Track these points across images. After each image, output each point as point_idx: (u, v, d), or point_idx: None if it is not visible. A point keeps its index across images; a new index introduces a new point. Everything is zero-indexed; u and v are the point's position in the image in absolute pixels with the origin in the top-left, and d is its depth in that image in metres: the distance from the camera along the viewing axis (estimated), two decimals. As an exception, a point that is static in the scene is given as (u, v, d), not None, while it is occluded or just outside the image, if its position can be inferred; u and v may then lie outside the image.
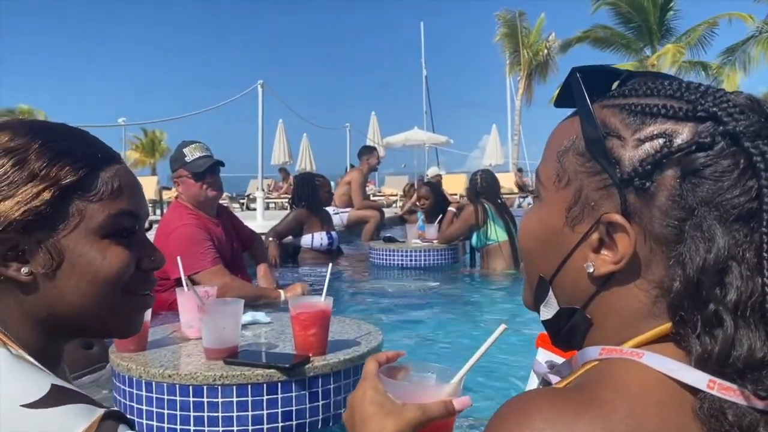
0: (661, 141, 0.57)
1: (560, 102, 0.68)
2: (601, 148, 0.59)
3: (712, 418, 0.52)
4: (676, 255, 0.56)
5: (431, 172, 15.06)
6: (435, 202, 6.18)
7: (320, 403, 1.75)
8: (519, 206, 14.70)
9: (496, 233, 5.05)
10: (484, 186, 5.21)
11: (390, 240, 5.71)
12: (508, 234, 5.07)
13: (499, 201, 5.27)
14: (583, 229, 0.62)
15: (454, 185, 14.53)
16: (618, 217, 0.58)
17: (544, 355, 0.97)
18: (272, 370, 1.69)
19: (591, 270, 0.61)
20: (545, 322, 0.68)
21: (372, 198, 11.85)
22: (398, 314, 3.78)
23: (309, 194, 5.58)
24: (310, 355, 1.76)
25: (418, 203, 6.64)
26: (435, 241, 5.44)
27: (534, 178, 0.69)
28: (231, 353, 1.79)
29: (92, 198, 0.74)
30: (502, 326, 0.82)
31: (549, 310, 0.66)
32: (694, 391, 0.54)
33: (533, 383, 0.93)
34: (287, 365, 1.69)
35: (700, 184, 0.55)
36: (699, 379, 0.53)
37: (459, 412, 0.79)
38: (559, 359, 0.91)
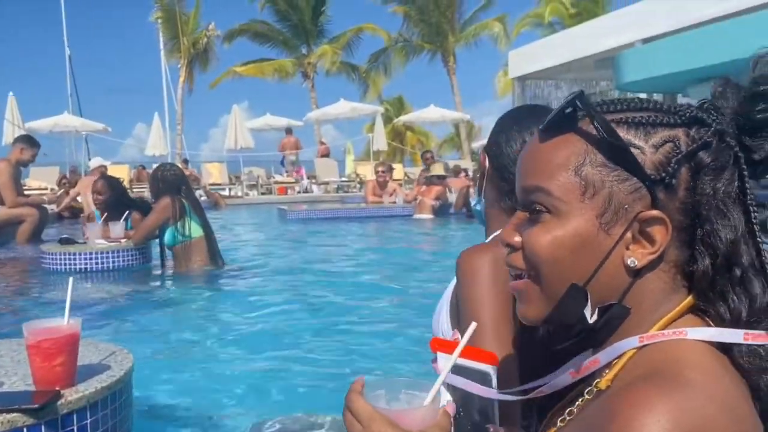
0: (670, 145, 0.68)
1: (553, 124, 0.72)
2: (630, 156, 0.68)
3: (752, 358, 0.65)
4: (700, 235, 0.68)
5: (94, 162, 13.72)
6: (114, 198, 5.61)
7: (76, 442, 1.50)
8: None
9: (193, 229, 4.86)
10: (173, 179, 4.95)
11: (68, 241, 5.05)
12: (205, 229, 4.92)
13: (190, 195, 5.07)
14: (618, 230, 0.68)
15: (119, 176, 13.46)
16: (656, 213, 0.67)
17: (445, 360, 0.85)
18: (15, 414, 1.40)
19: (635, 264, 0.68)
20: (584, 328, 0.72)
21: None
22: (111, 325, 3.40)
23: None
24: (58, 388, 1.50)
25: (93, 200, 6.00)
26: (123, 241, 5.00)
27: (534, 197, 0.72)
28: (-56, 402, 1.42)
29: None
30: (474, 324, 0.80)
31: (589, 312, 0.70)
32: (726, 348, 0.66)
33: (445, 396, 0.85)
34: (35, 405, 1.42)
35: (710, 175, 0.68)
36: (736, 335, 0.65)
37: None
38: (467, 363, 0.88)
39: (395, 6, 28.50)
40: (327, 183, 18.04)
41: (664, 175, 0.67)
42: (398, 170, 16.75)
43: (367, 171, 19.13)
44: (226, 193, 17.36)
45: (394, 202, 10.42)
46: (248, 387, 2.45)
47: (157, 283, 4.76)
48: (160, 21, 28.46)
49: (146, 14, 29.67)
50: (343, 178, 19.25)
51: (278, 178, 19.29)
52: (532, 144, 0.75)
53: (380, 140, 20.21)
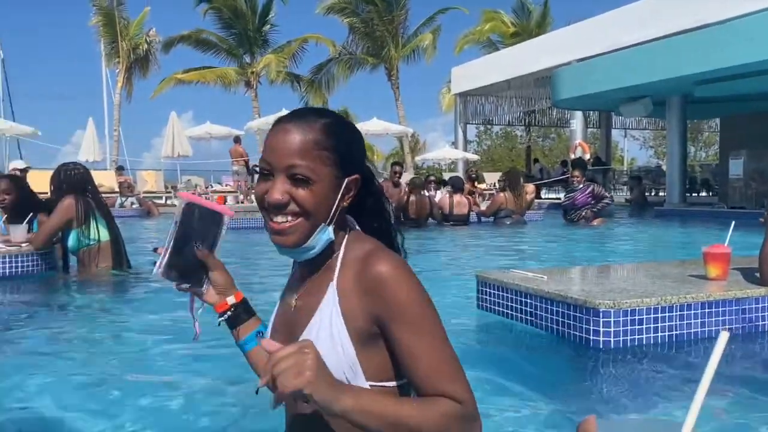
0: None
1: None
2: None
3: None
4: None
5: (13, 165, 13.07)
6: (20, 199, 5.18)
7: None
8: (121, 206, 13.77)
9: (99, 232, 4.58)
10: (77, 178, 4.61)
11: (-38, 246, 4.69)
12: (111, 233, 4.66)
13: (96, 196, 4.79)
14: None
15: (42, 182, 12.86)
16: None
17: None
18: None
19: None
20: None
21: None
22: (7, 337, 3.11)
23: None
24: None
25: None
26: (25, 245, 4.68)
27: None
28: None
29: None
30: (725, 334, 0.65)
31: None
32: None
33: None
34: None
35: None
36: None
37: None
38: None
39: (341, 17, 28.48)
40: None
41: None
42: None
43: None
44: (162, 201, 16.88)
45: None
46: (159, 396, 2.23)
47: (60, 291, 4.44)
48: (99, 25, 27.72)
49: (85, 19, 28.83)
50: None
51: (217, 187, 18.87)
52: None
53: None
